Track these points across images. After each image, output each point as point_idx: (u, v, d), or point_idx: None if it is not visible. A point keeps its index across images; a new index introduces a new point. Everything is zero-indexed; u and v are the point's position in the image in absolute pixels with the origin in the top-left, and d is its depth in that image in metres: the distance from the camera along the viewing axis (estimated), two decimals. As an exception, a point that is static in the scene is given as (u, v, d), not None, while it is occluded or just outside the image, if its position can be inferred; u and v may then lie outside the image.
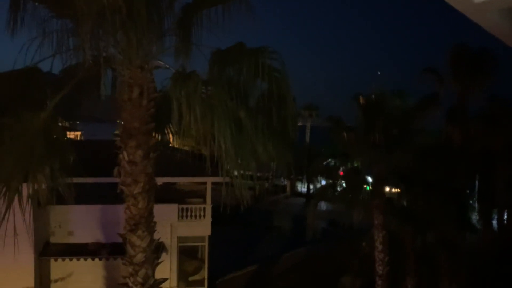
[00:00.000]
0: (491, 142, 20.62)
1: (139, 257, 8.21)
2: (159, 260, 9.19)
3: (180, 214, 24.74)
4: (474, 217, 27.06)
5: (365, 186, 15.28)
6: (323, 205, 26.23)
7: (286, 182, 56.44)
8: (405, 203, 17.47)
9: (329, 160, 19.50)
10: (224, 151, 6.61)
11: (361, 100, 15.46)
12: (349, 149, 15.64)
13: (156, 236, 26.36)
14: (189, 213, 24.92)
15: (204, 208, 25.15)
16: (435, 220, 15.81)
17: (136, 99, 7.81)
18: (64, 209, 21.34)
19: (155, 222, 8.68)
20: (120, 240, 23.68)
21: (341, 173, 17.56)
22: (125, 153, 7.98)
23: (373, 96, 15.36)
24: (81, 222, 22.61)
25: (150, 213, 8.42)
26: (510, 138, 20.75)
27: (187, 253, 25.96)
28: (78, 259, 22.02)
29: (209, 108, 6.59)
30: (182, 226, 24.67)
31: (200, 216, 25.04)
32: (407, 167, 14.77)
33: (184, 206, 24.85)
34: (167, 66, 8.24)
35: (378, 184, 15.52)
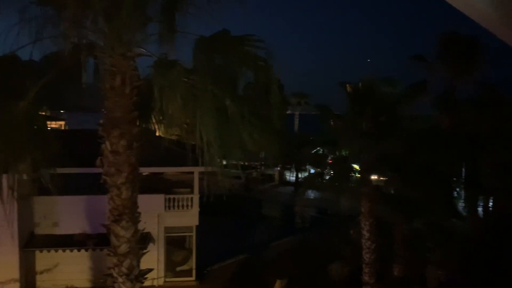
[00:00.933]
0: (479, 128, 20.76)
1: (124, 247, 8.08)
2: (145, 251, 9.05)
3: (167, 204, 24.69)
4: (461, 203, 27.40)
5: (352, 174, 15.25)
6: (312, 193, 26.28)
7: (275, 171, 56.49)
8: (393, 191, 17.51)
9: (318, 148, 19.48)
10: (207, 140, 6.44)
11: (348, 88, 15.37)
12: (337, 137, 15.58)
13: (143, 226, 26.20)
14: (176, 203, 24.87)
15: (192, 198, 25.08)
16: (423, 206, 15.88)
17: (118, 88, 7.60)
18: (48, 200, 21.12)
19: (139, 213, 8.54)
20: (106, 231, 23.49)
21: (330, 161, 17.55)
22: (108, 143, 7.80)
23: (360, 84, 15.26)
24: (66, 213, 22.42)
25: (134, 204, 8.27)
26: (498, 124, 20.91)
27: (175, 243, 25.91)
28: (63, 250, 21.85)
29: (192, 96, 6.41)
30: (169, 216, 24.62)
31: (187, 206, 25.00)
32: (396, 154, 14.75)
33: (171, 196, 24.78)
34: (150, 54, 8.02)
35: (366, 172, 15.51)
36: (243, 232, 34.37)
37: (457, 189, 24.53)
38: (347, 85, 15.57)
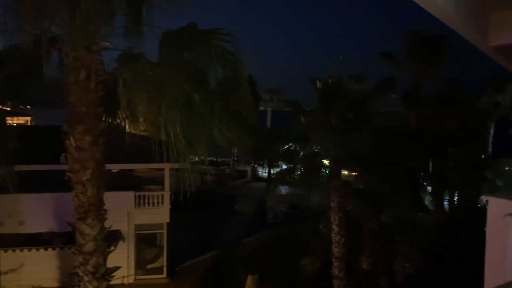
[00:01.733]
0: (444, 124, 21.32)
1: (89, 245, 7.91)
2: (112, 249, 8.88)
3: (137, 201, 24.40)
4: (428, 197, 28.11)
5: (322, 169, 15.41)
6: (283, 189, 26.46)
7: (248, 167, 56.58)
8: (362, 185, 17.80)
9: (290, 144, 19.58)
10: (174, 136, 6.33)
11: (318, 85, 15.50)
12: (307, 133, 15.71)
13: (113, 224, 25.65)
14: (146, 200, 24.61)
15: (162, 195, 24.85)
16: (390, 200, 16.20)
17: (83, 82, 7.40)
18: (13, 198, 20.50)
19: (106, 210, 8.37)
20: (74, 229, 22.86)
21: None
22: (72, 139, 7.59)
23: (329, 80, 15.41)
24: (32, 211, 21.83)
25: (100, 201, 8.10)
26: (462, 120, 21.53)
27: (146, 241, 25.64)
28: (29, 250, 21.29)
29: (157, 91, 6.29)
30: (139, 213, 24.34)
31: (158, 203, 24.77)
32: (363, 149, 14.98)
33: (141, 193, 24.48)
34: (117, 48, 7.83)
35: (335, 167, 15.71)
36: (216, 228, 34.32)
37: (424, 184, 25.21)
38: (317, 81, 15.70)
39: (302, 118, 15.62)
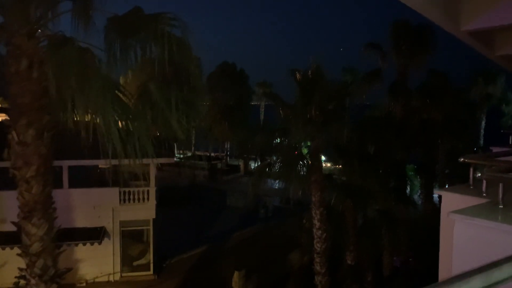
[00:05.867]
0: (431, 115, 20.98)
1: (36, 246, 7.44)
2: (62, 249, 8.41)
3: (122, 197, 24.00)
4: (417, 189, 27.77)
5: (303, 162, 14.99)
6: (276, 183, 26.07)
7: (241, 161, 56.28)
8: (344, 178, 17.42)
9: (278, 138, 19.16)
10: (105, 127, 5.85)
11: (298, 76, 15.06)
12: (287, 125, 15.27)
13: (97, 221, 25.19)
14: (131, 196, 24.21)
15: (148, 191, 24.46)
16: (373, 194, 15.83)
17: (24, 72, 6.91)
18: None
19: (54, 209, 7.89)
20: (64, 226, 22.51)
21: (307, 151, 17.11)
22: (14, 133, 7.11)
23: (309, 71, 14.95)
24: (14, 209, 21.36)
25: (48, 199, 7.62)
26: (449, 111, 21.19)
27: (133, 237, 25.28)
28: (11, 248, 20.88)
29: (83, 78, 5.80)
30: (124, 210, 23.97)
31: (143, 199, 24.38)
32: (343, 141, 14.59)
33: (126, 189, 24.07)
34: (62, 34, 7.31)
35: (315, 160, 15.29)
36: (206, 223, 34.07)
37: (412, 174, 24.89)
38: (297, 72, 15.26)
39: (281, 111, 15.20)
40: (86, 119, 5.80)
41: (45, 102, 7.13)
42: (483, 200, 4.13)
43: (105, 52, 6.41)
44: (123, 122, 5.98)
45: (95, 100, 5.72)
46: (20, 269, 7.63)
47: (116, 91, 5.99)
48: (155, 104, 7.44)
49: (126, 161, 6.08)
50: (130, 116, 6.08)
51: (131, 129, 6.03)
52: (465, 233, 3.46)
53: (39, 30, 7.09)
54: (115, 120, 5.77)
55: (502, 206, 3.77)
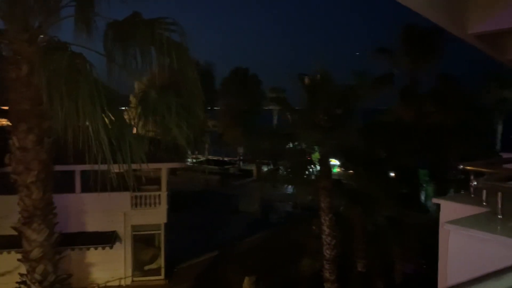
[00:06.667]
0: (442, 119, 20.59)
1: (36, 252, 7.43)
2: (63, 255, 8.38)
3: (134, 202, 24.08)
4: (431, 195, 27.22)
5: (310, 167, 14.78)
6: (289, 189, 25.85)
7: (253, 166, 56.06)
8: (354, 184, 17.14)
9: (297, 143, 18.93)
10: (94, 135, 5.76)
11: (306, 80, 14.88)
12: (294, 130, 15.10)
13: (109, 225, 25.25)
14: (143, 201, 24.28)
15: (159, 195, 24.51)
16: (384, 200, 15.54)
17: (25, 78, 6.93)
18: (5, 199, 20.31)
19: (55, 214, 7.88)
20: (71, 230, 22.58)
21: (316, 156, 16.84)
22: (15, 138, 7.13)
23: (316, 76, 14.78)
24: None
25: (48, 204, 7.61)
26: (461, 116, 20.77)
27: (144, 242, 25.34)
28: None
29: (74, 84, 5.74)
30: (136, 214, 24.03)
31: (155, 203, 24.42)
32: (352, 146, 14.35)
33: (138, 194, 24.14)
34: (65, 41, 7.31)
35: (323, 165, 15.06)
36: (217, 228, 33.98)
37: (425, 182, 24.44)
38: (306, 77, 15.08)
39: (288, 116, 15.05)
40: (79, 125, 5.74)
41: (45, 109, 7.14)
42: (483, 210, 3.94)
43: (105, 57, 6.39)
44: (115, 129, 5.92)
45: (83, 105, 5.67)
46: (21, 275, 7.64)
47: (107, 97, 5.92)
48: (155, 109, 7.40)
49: (116, 167, 6.02)
50: (120, 122, 6.01)
51: (123, 135, 5.97)
52: (460, 244, 3.31)
53: (40, 36, 7.11)
54: (104, 126, 5.71)
55: (501, 216, 3.60)
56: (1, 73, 7.02)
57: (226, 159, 62.32)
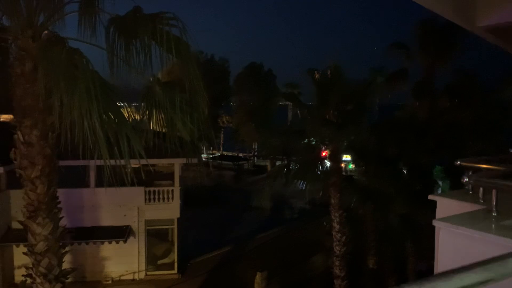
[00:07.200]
0: (459, 117, 20.18)
1: (41, 246, 7.55)
2: (68, 249, 8.48)
3: (147, 197, 24.32)
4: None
5: (320, 163, 14.67)
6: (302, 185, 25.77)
7: (268, 162, 56.02)
8: (365, 180, 16.95)
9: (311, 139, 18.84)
10: (90, 130, 5.77)
11: (316, 75, 14.75)
12: (305, 126, 14.99)
13: (123, 220, 25.51)
14: (156, 196, 24.50)
15: (172, 190, 24.70)
16: (396, 197, 15.33)
17: (29, 73, 7.02)
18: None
19: (59, 209, 8.01)
20: (86, 224, 22.88)
21: (323, 152, 16.69)
22: (20, 133, 7.25)
23: (328, 71, 14.63)
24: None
25: (52, 199, 7.72)
26: (479, 112, 20.31)
27: (158, 236, 25.59)
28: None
29: (71, 80, 5.77)
30: (150, 209, 24.28)
31: (168, 198, 24.61)
32: (365, 143, 14.17)
33: (151, 189, 24.38)
34: (70, 37, 7.37)
35: (334, 161, 14.92)
36: (231, 223, 34.11)
37: (442, 178, 24.04)
38: (316, 72, 14.95)
39: (299, 111, 14.93)
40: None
41: (50, 104, 7.22)
42: (479, 207, 3.83)
43: (107, 52, 6.43)
44: (113, 124, 5.95)
45: (79, 100, 5.71)
46: (26, 268, 7.78)
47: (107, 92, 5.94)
48: (160, 105, 7.43)
49: (113, 162, 6.05)
50: (118, 118, 6.03)
51: (121, 131, 5.99)
52: (449, 243, 3.21)
53: (45, 32, 7.19)
54: (101, 121, 5.73)
55: (495, 214, 3.49)
56: (7, 68, 7.11)
57: (240, 154, 62.45)
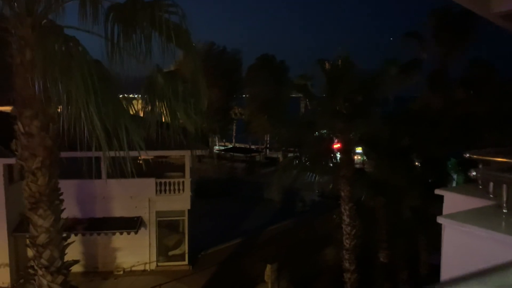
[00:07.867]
0: (474, 108, 19.65)
1: (42, 237, 7.49)
2: (70, 241, 8.41)
3: (158, 188, 24.34)
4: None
5: (330, 155, 14.40)
6: (314, 177, 25.55)
7: (280, 154, 55.81)
8: (376, 172, 16.62)
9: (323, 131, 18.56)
10: (87, 121, 5.63)
11: (327, 66, 14.43)
12: (315, 117, 14.72)
13: (134, 211, 25.57)
14: (167, 187, 24.52)
15: (183, 182, 24.67)
16: (408, 190, 15.01)
17: (29, 63, 6.91)
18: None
19: (61, 200, 7.92)
20: (97, 215, 22.98)
21: (337, 144, 16.34)
22: (20, 124, 7.16)
23: (338, 62, 14.29)
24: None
25: (54, 191, 7.63)
26: (494, 103, 19.75)
27: (169, 227, 25.64)
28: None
29: (66, 69, 5.61)
30: (161, 200, 24.32)
31: (179, 190, 24.61)
32: (377, 135, 13.86)
33: (162, 180, 24.41)
34: (71, 26, 7.23)
35: (345, 154, 14.64)
36: (242, 216, 34.07)
37: (457, 171, 23.54)
38: (326, 62, 14.63)
39: (308, 103, 14.65)
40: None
41: (50, 94, 7.10)
42: (489, 203, 3.59)
43: (106, 40, 6.28)
44: (111, 115, 5.80)
45: (76, 89, 5.57)
46: (29, 259, 7.73)
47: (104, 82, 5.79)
48: (162, 95, 7.29)
49: (111, 154, 5.92)
50: (116, 109, 5.88)
51: (119, 122, 5.85)
52: (454, 242, 3.00)
53: (44, 21, 7.06)
54: (97, 112, 5.59)
55: (506, 211, 3.25)
56: (7, 58, 7.01)
57: (253, 147, 62.31)
